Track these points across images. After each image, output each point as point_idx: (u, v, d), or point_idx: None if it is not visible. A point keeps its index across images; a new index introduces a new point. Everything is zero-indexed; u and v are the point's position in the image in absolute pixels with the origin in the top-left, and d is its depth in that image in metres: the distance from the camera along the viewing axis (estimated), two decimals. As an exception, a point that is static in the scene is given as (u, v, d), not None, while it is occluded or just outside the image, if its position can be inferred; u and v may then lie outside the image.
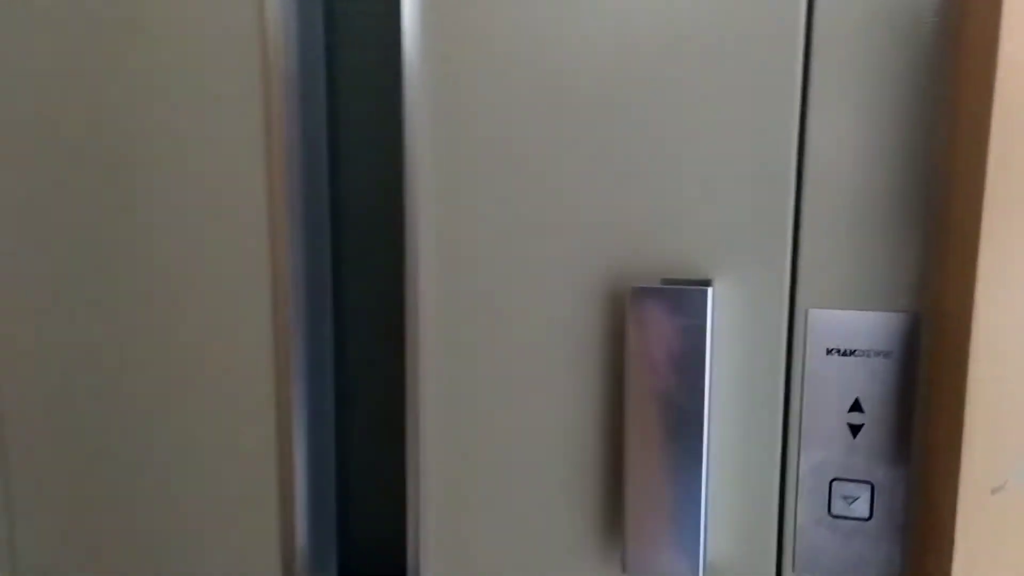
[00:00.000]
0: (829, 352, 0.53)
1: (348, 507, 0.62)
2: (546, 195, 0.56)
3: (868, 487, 0.52)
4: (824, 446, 0.53)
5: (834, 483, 0.53)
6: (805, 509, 0.53)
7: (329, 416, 0.60)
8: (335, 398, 0.61)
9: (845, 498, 0.52)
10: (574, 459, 0.58)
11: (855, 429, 0.52)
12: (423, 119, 0.57)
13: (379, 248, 0.61)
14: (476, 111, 0.56)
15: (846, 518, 0.52)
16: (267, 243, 0.57)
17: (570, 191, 0.55)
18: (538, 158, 0.56)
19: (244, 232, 0.58)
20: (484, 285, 0.58)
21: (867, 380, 0.51)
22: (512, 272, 0.57)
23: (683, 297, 0.51)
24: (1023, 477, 0.44)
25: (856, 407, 0.52)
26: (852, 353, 0.52)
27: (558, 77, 0.54)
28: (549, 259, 0.56)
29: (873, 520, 0.52)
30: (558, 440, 0.58)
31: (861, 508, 0.52)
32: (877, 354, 0.51)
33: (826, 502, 0.53)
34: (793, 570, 0.54)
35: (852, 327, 0.52)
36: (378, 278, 0.60)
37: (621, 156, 0.54)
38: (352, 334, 0.61)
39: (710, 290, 0.51)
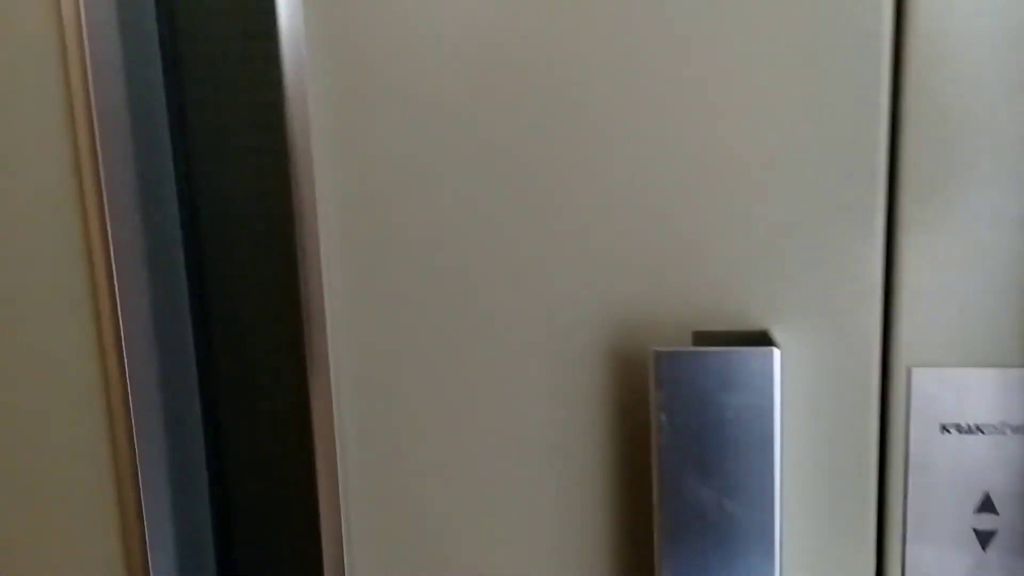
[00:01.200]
0: (945, 429, 0.37)
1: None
2: (515, 211, 0.39)
3: (1006, 618, 0.37)
4: (942, 562, 0.37)
5: (955, 612, 0.37)
6: (914, 649, 0.38)
7: (196, 436, 0.51)
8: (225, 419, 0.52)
9: (972, 633, 0.37)
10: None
11: (985, 537, 0.37)
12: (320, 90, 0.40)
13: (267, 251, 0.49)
14: (395, 87, 0.39)
15: (975, 662, 0.37)
16: (79, 228, 0.45)
17: (553, 203, 0.38)
18: (497, 159, 0.38)
19: (53, 226, 0.46)
20: (420, 338, 0.40)
21: (1000, 468, 0.37)
22: (459, 322, 0.40)
23: (738, 363, 0.35)
24: None
25: (987, 506, 0.37)
26: (978, 430, 0.36)
27: (543, 53, 0.38)
28: (517, 302, 0.39)
29: (1016, 665, 0.37)
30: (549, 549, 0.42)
31: (996, 647, 0.37)
32: (1015, 431, 0.36)
33: (945, 639, 0.38)
34: None
35: (976, 393, 0.36)
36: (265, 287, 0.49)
37: (632, 158, 0.38)
38: (241, 348, 0.51)
39: (777, 353, 0.34)
